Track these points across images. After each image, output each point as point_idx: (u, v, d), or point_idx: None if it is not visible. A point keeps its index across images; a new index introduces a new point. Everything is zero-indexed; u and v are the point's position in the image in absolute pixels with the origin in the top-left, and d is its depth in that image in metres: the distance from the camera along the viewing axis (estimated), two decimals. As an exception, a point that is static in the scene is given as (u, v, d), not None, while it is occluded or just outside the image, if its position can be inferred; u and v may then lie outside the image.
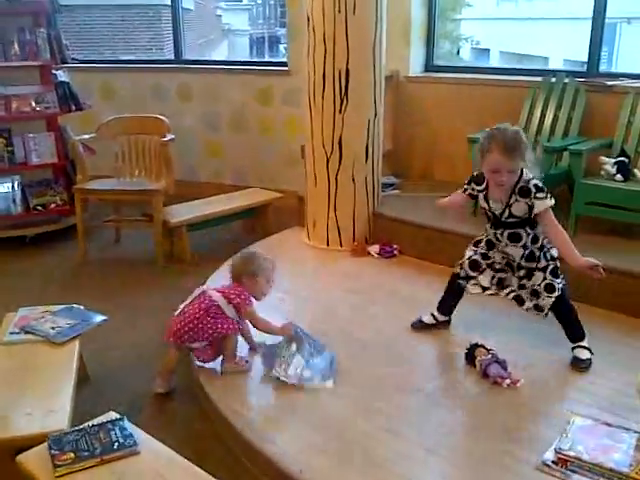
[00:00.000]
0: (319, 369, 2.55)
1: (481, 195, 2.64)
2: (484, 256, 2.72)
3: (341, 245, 3.98)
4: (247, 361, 2.65)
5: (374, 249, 3.88)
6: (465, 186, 2.71)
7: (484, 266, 2.72)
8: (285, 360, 2.54)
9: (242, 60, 6.63)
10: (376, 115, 3.81)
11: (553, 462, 2.02)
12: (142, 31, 10.92)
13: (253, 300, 2.63)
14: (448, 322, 2.96)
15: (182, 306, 2.61)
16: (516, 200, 2.51)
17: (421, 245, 3.78)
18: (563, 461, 2.02)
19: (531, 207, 2.50)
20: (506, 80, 4.42)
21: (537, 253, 2.58)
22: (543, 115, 4.11)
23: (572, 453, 2.03)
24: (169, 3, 5.77)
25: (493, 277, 2.71)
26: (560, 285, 2.59)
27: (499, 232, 2.61)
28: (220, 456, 2.28)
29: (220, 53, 14.04)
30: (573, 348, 2.65)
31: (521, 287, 2.66)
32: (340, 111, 3.70)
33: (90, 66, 5.74)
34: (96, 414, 2.01)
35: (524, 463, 2.04)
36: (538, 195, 2.48)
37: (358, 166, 3.83)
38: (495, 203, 2.58)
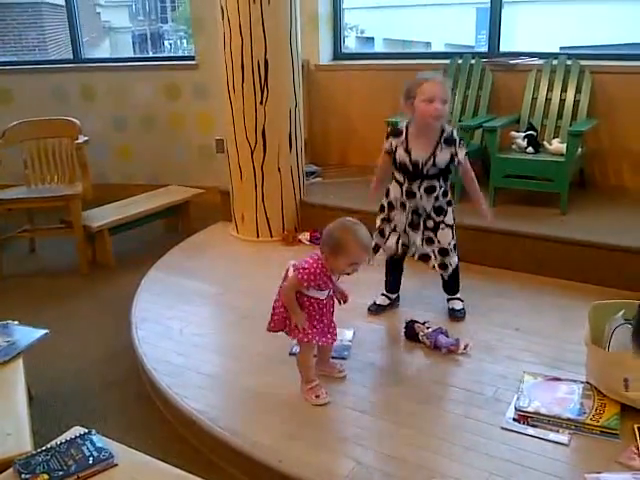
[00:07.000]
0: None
1: (401, 148, 2.62)
2: (387, 220, 2.79)
3: (271, 236, 3.98)
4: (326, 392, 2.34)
5: (305, 237, 3.90)
6: (385, 145, 2.69)
7: (388, 230, 2.78)
8: None
9: (146, 56, 6.42)
10: (297, 104, 3.83)
11: (515, 420, 2.16)
12: (21, 31, 10.28)
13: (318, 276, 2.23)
14: (397, 299, 3.03)
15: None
16: (441, 149, 2.58)
17: (351, 229, 3.84)
18: (524, 417, 2.15)
19: (453, 156, 2.61)
20: (415, 64, 4.54)
21: (445, 207, 2.70)
22: (453, 95, 4.26)
23: (531, 409, 2.17)
24: (53, 2, 5.48)
25: (398, 239, 2.77)
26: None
27: (416, 185, 2.63)
28: (191, 459, 2.22)
29: (103, 52, 13.48)
30: (449, 300, 2.91)
31: (429, 241, 2.73)
32: (261, 102, 3.69)
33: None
34: (46, 433, 1.92)
35: (489, 424, 2.15)
36: (462, 144, 2.63)
37: (283, 156, 3.84)
38: (418, 153, 2.60)
